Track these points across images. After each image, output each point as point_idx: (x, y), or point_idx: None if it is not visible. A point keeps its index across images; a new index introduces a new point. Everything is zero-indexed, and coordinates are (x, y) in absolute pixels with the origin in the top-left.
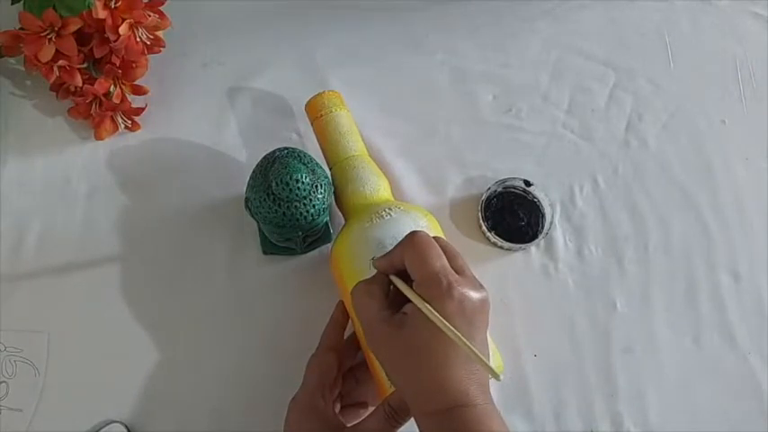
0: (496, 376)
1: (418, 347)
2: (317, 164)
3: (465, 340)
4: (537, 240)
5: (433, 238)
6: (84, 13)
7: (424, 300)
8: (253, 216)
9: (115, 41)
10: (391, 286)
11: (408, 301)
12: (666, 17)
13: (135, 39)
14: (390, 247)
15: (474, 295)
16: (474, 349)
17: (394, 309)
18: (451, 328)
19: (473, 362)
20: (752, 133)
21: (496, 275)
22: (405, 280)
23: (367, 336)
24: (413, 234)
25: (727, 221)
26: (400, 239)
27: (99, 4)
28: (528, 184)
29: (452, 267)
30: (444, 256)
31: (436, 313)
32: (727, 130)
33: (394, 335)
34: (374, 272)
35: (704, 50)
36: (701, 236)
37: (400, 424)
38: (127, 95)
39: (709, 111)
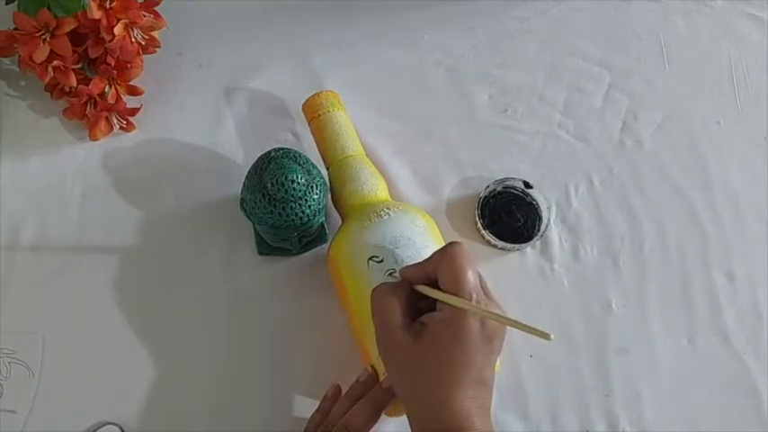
0: (547, 336)
1: (432, 361)
2: (312, 164)
3: (514, 319)
4: (533, 241)
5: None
6: (79, 13)
7: (451, 306)
8: (248, 217)
9: (110, 42)
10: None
11: (424, 312)
12: (662, 18)
13: (130, 39)
14: (389, 247)
15: None
16: (524, 322)
17: (412, 318)
18: (498, 312)
19: (479, 385)
20: (747, 134)
21: (492, 276)
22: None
23: (380, 339)
24: (454, 245)
25: (723, 222)
26: (398, 238)
27: (94, 5)
28: (528, 185)
29: None
30: (478, 274)
31: (480, 307)
32: (722, 130)
33: (410, 344)
34: (373, 271)
35: (699, 51)
36: (696, 236)
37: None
38: (122, 96)
39: (704, 111)
